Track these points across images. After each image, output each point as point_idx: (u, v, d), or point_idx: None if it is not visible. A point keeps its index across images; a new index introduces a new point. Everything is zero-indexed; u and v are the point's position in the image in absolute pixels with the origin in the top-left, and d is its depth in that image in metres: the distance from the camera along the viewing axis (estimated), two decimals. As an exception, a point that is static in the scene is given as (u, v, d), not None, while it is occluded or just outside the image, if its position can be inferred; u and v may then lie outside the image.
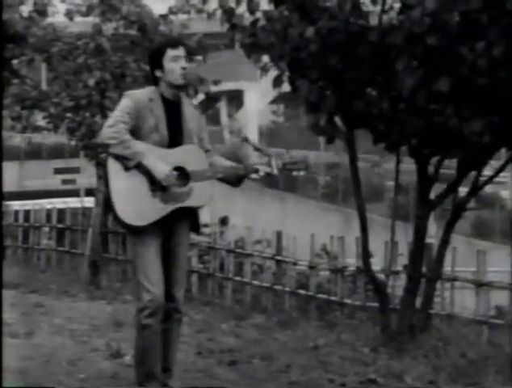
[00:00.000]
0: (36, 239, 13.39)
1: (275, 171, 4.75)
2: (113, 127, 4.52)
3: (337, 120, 7.11)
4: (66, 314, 7.68)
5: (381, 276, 7.93)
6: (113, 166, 4.53)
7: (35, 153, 31.81)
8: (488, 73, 6.25)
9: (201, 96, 11.52)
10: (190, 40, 11.18)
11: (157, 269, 4.57)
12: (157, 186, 4.54)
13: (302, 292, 9.43)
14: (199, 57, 11.44)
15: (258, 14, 6.98)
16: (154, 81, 4.68)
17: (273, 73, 7.03)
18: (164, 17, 11.38)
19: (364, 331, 7.63)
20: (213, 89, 11.51)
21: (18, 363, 5.38)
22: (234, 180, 4.79)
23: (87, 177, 20.85)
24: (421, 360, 6.53)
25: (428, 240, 7.69)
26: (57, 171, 30.43)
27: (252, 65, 7.15)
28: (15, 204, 16.42)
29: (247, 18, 7.03)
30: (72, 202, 17.63)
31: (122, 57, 10.92)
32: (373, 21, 6.70)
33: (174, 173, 4.57)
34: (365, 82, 6.87)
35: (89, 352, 6.05)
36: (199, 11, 11.08)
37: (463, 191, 7.42)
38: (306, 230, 10.35)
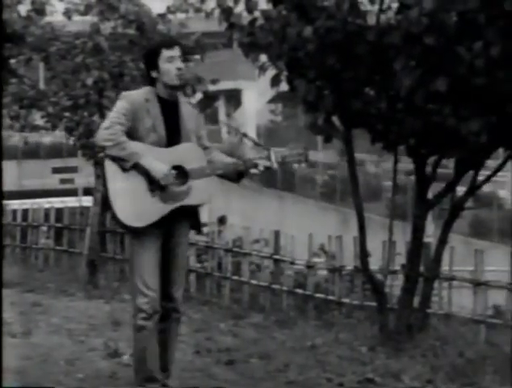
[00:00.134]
0: (34, 238, 13.38)
1: (275, 165, 4.75)
2: (109, 129, 4.51)
3: (335, 119, 7.11)
4: (64, 313, 7.68)
5: (379, 276, 7.94)
6: (110, 168, 4.52)
7: (33, 152, 31.79)
8: (485, 73, 6.25)
9: (199, 95, 11.52)
10: (188, 39, 11.18)
11: (154, 273, 4.56)
12: (155, 186, 4.53)
13: (300, 291, 9.43)
14: (197, 56, 11.43)
15: (256, 14, 6.98)
16: (150, 81, 4.67)
17: (271, 72, 7.03)
18: (162, 16, 11.38)
19: (362, 331, 7.64)
20: (211, 88, 11.51)
21: (17, 362, 5.38)
22: (234, 176, 4.77)
23: (85, 176, 20.83)
24: (419, 359, 6.53)
25: (426, 239, 7.69)
26: (55, 171, 30.44)
27: (250, 64, 7.15)
28: (13, 204, 16.42)
29: (245, 18, 7.03)
30: (70, 201, 17.65)
31: (120, 57, 10.92)
32: (371, 21, 6.70)
33: (173, 172, 4.57)
34: (363, 82, 6.88)
35: (87, 352, 6.05)
36: (197, 10, 11.09)
37: (460, 190, 7.43)
38: (304, 230, 10.36)
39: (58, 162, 30.40)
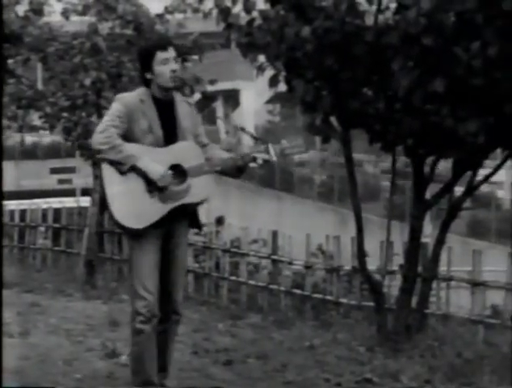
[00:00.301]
0: (32, 239, 13.38)
1: (274, 158, 4.73)
2: (104, 132, 4.48)
3: (333, 119, 7.11)
4: (62, 313, 7.67)
5: (377, 276, 7.93)
6: (108, 171, 4.50)
7: (31, 152, 31.80)
8: (483, 73, 6.25)
9: (197, 96, 11.52)
10: (186, 39, 11.19)
11: (153, 275, 4.54)
12: (153, 186, 4.51)
13: (298, 291, 9.44)
14: (195, 57, 11.43)
15: (254, 14, 6.97)
16: (145, 82, 4.64)
17: (269, 72, 7.03)
18: (160, 16, 11.38)
19: (360, 331, 7.64)
20: (209, 88, 11.51)
21: (15, 362, 5.38)
22: (233, 172, 4.73)
23: (83, 177, 20.83)
24: (417, 359, 6.53)
25: (424, 240, 7.69)
26: (53, 171, 30.45)
27: (248, 64, 7.14)
28: (11, 204, 16.41)
29: (243, 18, 7.03)
30: (68, 202, 17.64)
31: (118, 57, 10.92)
32: (369, 21, 6.70)
33: (169, 172, 4.55)
34: (361, 82, 6.88)
35: (84, 352, 6.04)
36: (195, 10, 11.10)
37: (458, 190, 7.43)
38: (302, 230, 10.38)
39: (56, 163, 30.41)
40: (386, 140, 7.05)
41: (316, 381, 5.76)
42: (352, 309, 8.78)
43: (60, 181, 29.37)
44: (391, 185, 8.09)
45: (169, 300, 4.65)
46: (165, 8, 11.50)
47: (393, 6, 6.68)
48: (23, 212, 13.88)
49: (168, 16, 11.44)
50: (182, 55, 10.83)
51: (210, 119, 34.46)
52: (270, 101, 34.38)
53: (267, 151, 4.70)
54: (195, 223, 4.73)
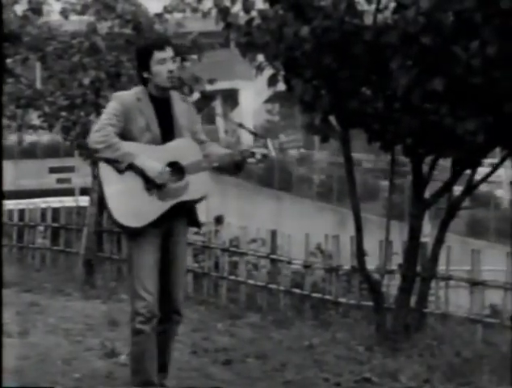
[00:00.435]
0: (31, 238, 13.37)
1: (272, 153, 4.71)
2: (100, 131, 4.47)
3: (332, 119, 7.11)
4: (61, 313, 7.67)
5: (376, 275, 7.93)
6: (105, 170, 4.49)
7: (30, 152, 31.79)
8: (482, 72, 6.25)
9: (196, 95, 11.52)
10: (185, 38, 11.19)
11: (152, 275, 4.52)
12: (151, 184, 4.50)
13: (297, 291, 9.43)
14: (194, 56, 11.43)
15: (253, 13, 6.98)
16: (142, 80, 4.63)
17: (268, 72, 7.03)
18: (159, 16, 11.38)
19: (359, 330, 7.64)
20: (208, 88, 11.51)
21: (14, 362, 5.38)
22: (232, 168, 4.71)
23: (82, 176, 20.84)
24: (416, 358, 6.53)
25: (423, 239, 7.69)
26: (52, 170, 30.45)
27: (247, 64, 7.14)
28: (10, 203, 16.40)
29: (242, 17, 7.03)
30: (67, 201, 17.63)
31: (117, 56, 10.92)
32: (368, 20, 6.71)
33: (167, 169, 4.53)
34: (360, 82, 6.88)
35: (83, 352, 6.04)
36: (194, 10, 11.10)
37: (457, 190, 7.43)
38: (301, 229, 10.37)
39: (55, 162, 30.41)
40: (385, 139, 7.05)
41: (316, 381, 5.76)
42: (351, 309, 8.78)
43: (59, 180, 29.36)
44: (390, 184, 8.08)
45: (169, 300, 4.64)
46: (164, 7, 11.49)
47: (392, 5, 6.68)
48: (21, 212, 13.87)
49: (167, 15, 11.44)
50: (181, 54, 10.83)
51: (209, 118, 34.47)
52: (269, 100, 34.40)
53: (266, 146, 4.69)
54: (194, 221, 4.71)
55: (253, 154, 4.67)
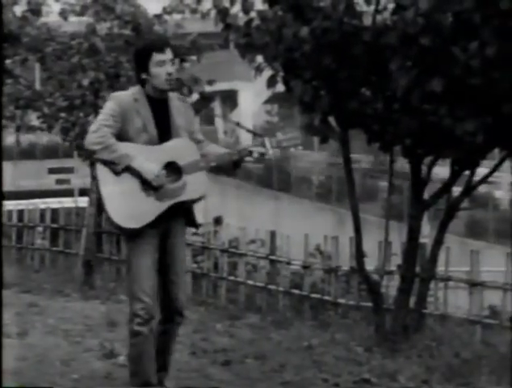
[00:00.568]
0: (30, 239, 13.36)
1: (270, 151, 4.70)
2: (97, 132, 4.46)
3: (332, 120, 7.11)
4: (60, 313, 7.66)
5: (375, 276, 7.94)
6: (102, 171, 4.48)
7: (29, 153, 31.79)
8: (481, 73, 6.26)
9: (195, 96, 11.52)
10: (184, 39, 11.19)
11: (150, 277, 4.51)
12: (149, 185, 4.49)
13: (296, 291, 9.43)
14: (194, 57, 11.43)
15: (253, 14, 6.98)
16: (140, 81, 4.61)
17: (267, 73, 7.03)
18: (158, 17, 11.38)
19: (358, 331, 7.64)
20: (207, 89, 11.51)
21: (13, 363, 5.38)
22: (229, 167, 4.70)
23: (81, 177, 20.84)
24: (415, 359, 6.53)
25: (422, 240, 7.69)
26: (51, 171, 30.45)
27: (246, 65, 7.15)
28: (9, 204, 16.39)
29: (241, 18, 7.03)
30: (66, 202, 17.62)
31: (116, 57, 10.92)
32: (367, 21, 6.71)
33: (163, 172, 4.52)
34: (359, 82, 6.88)
35: (82, 352, 6.04)
36: (194, 11, 11.08)
37: (456, 190, 7.43)
38: (300, 230, 10.36)
39: (54, 163, 30.40)
40: (384, 140, 7.05)
41: (315, 382, 5.76)
42: (350, 310, 8.78)
43: (58, 181, 29.37)
44: (389, 185, 8.09)
45: (171, 301, 4.62)
46: (164, 8, 11.49)
47: (391, 6, 6.68)
48: (20, 213, 13.86)
49: (166, 17, 11.43)
50: (181, 55, 10.84)
51: (208, 119, 34.47)
52: (268, 101, 34.38)
53: (263, 144, 4.68)
54: (191, 222, 4.70)
55: (250, 153, 4.66)
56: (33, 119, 12.45)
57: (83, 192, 16.65)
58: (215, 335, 7.18)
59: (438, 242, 7.37)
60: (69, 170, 27.65)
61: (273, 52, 6.86)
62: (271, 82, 7.00)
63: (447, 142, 6.72)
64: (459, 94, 6.48)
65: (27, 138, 30.41)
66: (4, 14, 11.44)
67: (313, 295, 9.25)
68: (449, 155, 7.09)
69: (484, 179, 7.39)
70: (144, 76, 4.58)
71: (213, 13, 7.09)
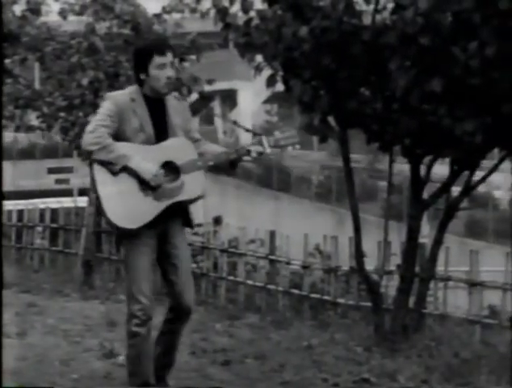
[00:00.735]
0: (30, 239, 13.36)
1: (268, 150, 4.68)
2: (94, 132, 4.44)
3: (331, 119, 7.11)
4: (59, 313, 7.66)
5: (374, 276, 7.94)
6: (99, 171, 4.46)
7: (28, 152, 31.76)
8: (480, 73, 6.25)
9: (195, 96, 11.51)
10: (183, 39, 11.19)
11: (147, 278, 4.50)
12: (147, 185, 4.47)
13: (295, 291, 9.43)
14: (193, 57, 11.43)
15: (252, 14, 6.98)
16: (138, 81, 4.59)
17: (267, 72, 7.03)
18: (158, 16, 11.38)
19: (357, 331, 7.64)
20: (207, 88, 11.50)
21: (12, 363, 5.37)
22: (227, 166, 4.67)
23: (81, 177, 20.83)
24: (415, 359, 6.53)
25: (421, 240, 7.69)
26: (51, 171, 30.42)
27: (246, 64, 7.14)
28: (8, 204, 16.38)
29: (241, 18, 7.03)
30: (65, 202, 17.61)
31: (115, 57, 10.91)
32: (366, 21, 6.71)
33: (161, 171, 4.50)
34: (358, 82, 6.88)
35: (82, 352, 6.04)
36: (193, 10, 11.08)
37: (456, 190, 7.43)
38: (299, 230, 10.36)
39: (53, 163, 30.37)
40: (383, 140, 7.05)
41: (314, 381, 5.76)
42: (350, 310, 8.78)
43: (58, 181, 29.33)
44: (388, 185, 8.08)
45: (180, 302, 4.60)
46: (163, 8, 11.49)
47: (390, 5, 6.68)
48: (20, 213, 13.86)
49: (166, 16, 11.43)
50: (180, 55, 10.83)
51: (207, 119, 34.46)
52: (267, 101, 34.36)
53: (261, 143, 4.66)
54: (188, 222, 4.67)
55: (248, 152, 4.64)
56: (32, 118, 12.45)
57: (83, 192, 16.65)
58: (214, 334, 7.18)
59: (438, 241, 7.37)
60: (69, 170, 27.63)
61: (272, 51, 6.86)
62: (271, 82, 7.00)
63: (447, 142, 6.72)
64: (458, 94, 6.48)
65: (24, 138, 30.38)
66: (3, 14, 11.44)
67: (313, 295, 9.25)
68: (448, 155, 7.08)
69: (483, 179, 7.39)
70: (142, 76, 4.56)
71: (213, 12, 7.09)
